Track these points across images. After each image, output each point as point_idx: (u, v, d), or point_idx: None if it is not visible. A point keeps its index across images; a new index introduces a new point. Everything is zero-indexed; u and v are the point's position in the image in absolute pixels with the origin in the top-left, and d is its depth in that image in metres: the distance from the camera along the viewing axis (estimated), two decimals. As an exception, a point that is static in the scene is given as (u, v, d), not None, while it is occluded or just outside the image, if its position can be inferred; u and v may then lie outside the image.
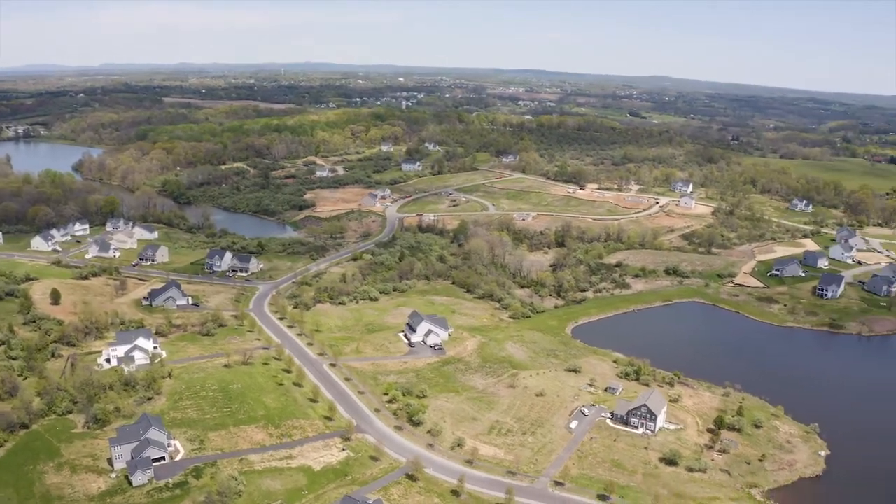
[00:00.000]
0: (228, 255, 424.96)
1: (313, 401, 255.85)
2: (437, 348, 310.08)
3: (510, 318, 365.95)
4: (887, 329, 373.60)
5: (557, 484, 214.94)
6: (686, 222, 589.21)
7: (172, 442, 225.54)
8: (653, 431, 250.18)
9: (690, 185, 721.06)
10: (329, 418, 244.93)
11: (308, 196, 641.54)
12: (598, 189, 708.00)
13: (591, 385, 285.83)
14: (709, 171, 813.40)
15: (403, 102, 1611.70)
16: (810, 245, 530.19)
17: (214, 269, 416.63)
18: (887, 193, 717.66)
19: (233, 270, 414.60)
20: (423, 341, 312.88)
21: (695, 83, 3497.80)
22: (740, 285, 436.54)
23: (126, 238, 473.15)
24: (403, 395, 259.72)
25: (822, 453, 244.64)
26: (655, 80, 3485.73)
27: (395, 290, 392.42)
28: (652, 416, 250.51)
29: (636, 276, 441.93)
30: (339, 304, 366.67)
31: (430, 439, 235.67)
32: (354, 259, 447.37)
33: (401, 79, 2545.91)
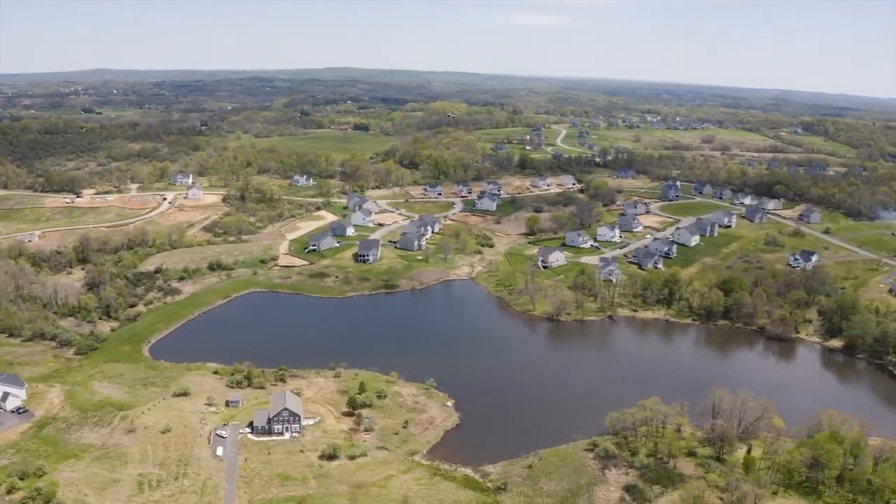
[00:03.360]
0: None
1: None
2: (21, 412, 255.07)
3: (76, 354, 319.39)
4: (433, 279, 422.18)
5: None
6: (202, 214, 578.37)
7: None
8: (299, 433, 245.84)
9: (191, 177, 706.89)
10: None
11: None
12: (98, 194, 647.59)
13: (210, 405, 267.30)
14: (200, 158, 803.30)
15: None
16: (329, 216, 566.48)
17: None
18: (371, 158, 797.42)
19: None
20: (0, 408, 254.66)
21: (138, 73, 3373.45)
22: (286, 266, 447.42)
23: None
24: (21, 480, 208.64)
25: (450, 403, 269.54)
26: (97, 74, 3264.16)
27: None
28: (296, 417, 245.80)
29: (181, 278, 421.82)
30: None
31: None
32: None
33: None
